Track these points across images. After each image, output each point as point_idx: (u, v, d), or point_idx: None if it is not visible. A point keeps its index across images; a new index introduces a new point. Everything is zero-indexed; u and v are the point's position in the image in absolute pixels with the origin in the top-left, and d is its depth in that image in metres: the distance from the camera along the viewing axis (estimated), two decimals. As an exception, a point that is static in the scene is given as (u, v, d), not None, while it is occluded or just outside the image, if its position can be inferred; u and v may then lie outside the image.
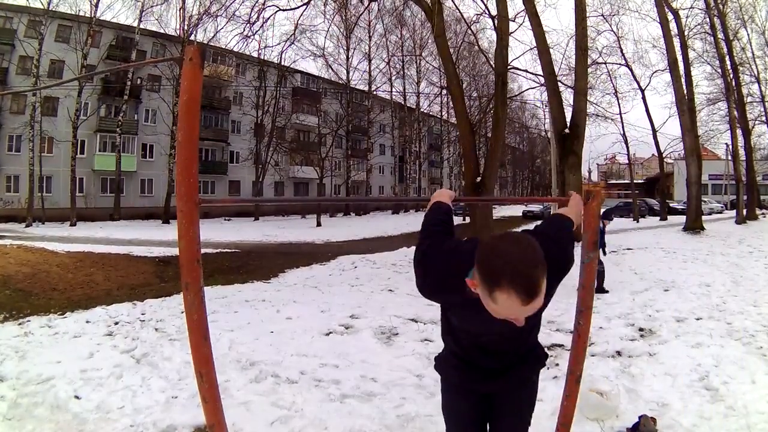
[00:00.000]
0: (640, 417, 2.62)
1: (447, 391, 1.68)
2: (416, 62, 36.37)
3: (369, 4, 16.67)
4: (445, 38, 11.39)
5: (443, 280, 1.29)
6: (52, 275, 8.12)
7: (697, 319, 4.89)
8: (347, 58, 34.54)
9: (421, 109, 40.18)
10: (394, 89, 38.48)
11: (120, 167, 26.19)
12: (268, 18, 12.87)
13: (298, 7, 12.90)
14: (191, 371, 1.79)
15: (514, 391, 1.58)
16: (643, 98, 23.81)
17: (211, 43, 22.46)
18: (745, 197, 21.24)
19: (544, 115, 36.94)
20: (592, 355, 3.78)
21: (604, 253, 6.83)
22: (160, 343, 4.34)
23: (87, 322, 5.17)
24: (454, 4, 15.10)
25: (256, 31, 12.67)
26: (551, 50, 12.17)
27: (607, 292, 6.33)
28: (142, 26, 26.62)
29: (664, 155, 25.91)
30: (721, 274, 7.64)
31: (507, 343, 1.43)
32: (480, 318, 1.19)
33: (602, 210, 5.96)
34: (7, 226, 19.89)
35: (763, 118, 22.93)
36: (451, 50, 12.01)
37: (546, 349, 4.18)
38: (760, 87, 22.09)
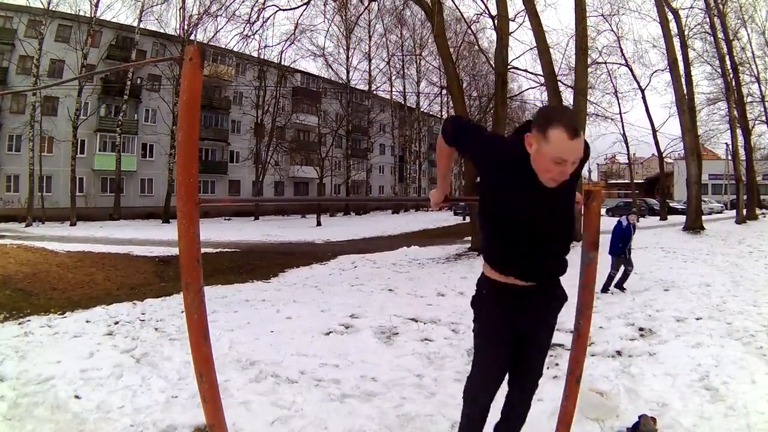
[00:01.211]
0: (640, 417, 2.62)
1: (486, 324, 1.79)
2: (416, 62, 36.36)
3: (369, 4, 16.66)
4: (445, 38, 11.40)
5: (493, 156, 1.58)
6: (52, 275, 8.13)
7: (697, 319, 4.89)
8: (347, 57, 34.57)
9: (421, 109, 40.18)
10: (394, 89, 38.51)
11: (120, 167, 26.20)
12: (268, 18, 12.90)
13: (298, 7, 12.92)
14: (191, 371, 1.79)
15: (540, 328, 1.82)
16: (643, 98, 23.80)
17: (211, 43, 22.46)
18: (745, 197, 21.22)
19: (544, 115, 36.75)
20: (592, 355, 3.78)
21: (628, 253, 6.74)
22: (160, 343, 4.34)
23: (87, 321, 5.17)
24: (454, 4, 15.14)
25: (256, 31, 12.70)
26: (551, 50, 12.18)
27: (624, 290, 6.52)
28: (142, 26, 26.63)
29: (664, 155, 25.88)
30: (721, 274, 7.64)
31: (552, 230, 1.61)
32: (530, 199, 1.50)
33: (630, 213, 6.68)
34: (7, 225, 19.89)
35: (763, 118, 22.93)
36: (451, 50, 12.02)
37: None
38: (760, 87, 22.10)
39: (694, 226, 15.65)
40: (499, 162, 1.55)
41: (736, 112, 20.34)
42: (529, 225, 1.55)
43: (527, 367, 1.86)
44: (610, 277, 6.63)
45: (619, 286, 6.60)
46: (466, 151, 1.68)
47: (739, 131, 20.82)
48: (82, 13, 24.11)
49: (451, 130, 1.69)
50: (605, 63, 22.87)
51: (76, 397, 3.13)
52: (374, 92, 37.69)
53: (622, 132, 25.39)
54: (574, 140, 1.34)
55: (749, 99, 21.98)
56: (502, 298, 1.70)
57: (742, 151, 21.53)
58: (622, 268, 6.69)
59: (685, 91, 16.74)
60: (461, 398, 1.92)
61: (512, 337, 1.76)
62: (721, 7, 18.70)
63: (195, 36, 24.78)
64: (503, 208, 1.58)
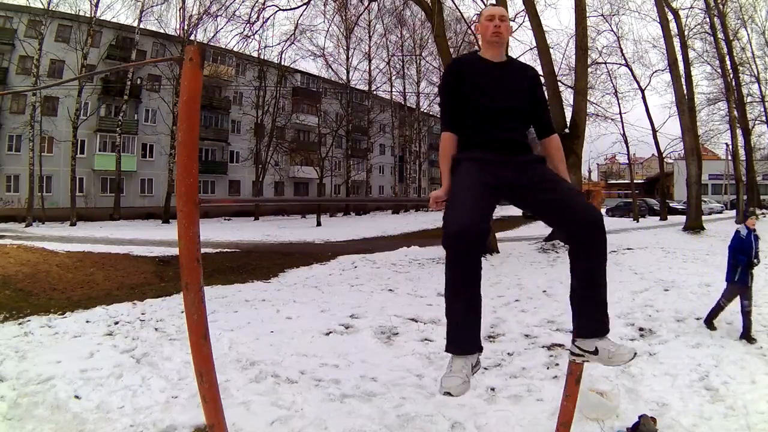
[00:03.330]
0: (640, 417, 2.62)
1: (460, 176, 1.79)
2: (416, 62, 36.30)
3: (369, 4, 16.66)
4: (445, 38, 11.39)
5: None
6: (52, 275, 8.12)
7: (697, 319, 4.89)
8: (347, 58, 34.52)
9: (421, 109, 40.17)
10: (394, 89, 38.48)
11: (120, 167, 26.18)
12: (268, 18, 12.87)
13: (298, 7, 12.90)
14: (191, 371, 1.79)
15: (534, 174, 1.77)
16: (643, 98, 23.76)
17: (211, 43, 22.43)
18: (745, 197, 21.22)
19: (544, 115, 36.82)
20: (592, 355, 3.77)
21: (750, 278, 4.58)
22: (160, 343, 4.34)
23: (87, 322, 5.17)
24: (454, 4, 15.14)
25: (256, 31, 12.68)
26: (551, 50, 12.19)
27: (754, 341, 4.26)
28: (142, 26, 26.60)
29: (664, 155, 25.86)
30: (721, 274, 7.60)
31: (508, 103, 1.84)
32: (494, 81, 1.85)
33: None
34: (7, 225, 19.87)
35: (763, 118, 22.93)
36: (451, 50, 12.01)
37: (546, 349, 4.17)
38: (760, 87, 22.09)
39: (694, 226, 15.63)
40: (460, 71, 1.90)
41: (736, 112, 20.33)
42: (489, 95, 1.83)
43: (559, 203, 1.67)
44: (719, 308, 4.69)
45: (746, 335, 4.30)
46: (453, 101, 1.90)
47: (739, 131, 20.82)
48: (82, 13, 24.07)
49: (442, 122, 1.95)
50: (605, 63, 22.85)
51: (76, 397, 3.13)
52: (374, 92, 37.66)
53: (622, 132, 25.34)
54: (495, 6, 2.05)
55: (749, 99, 21.99)
56: (476, 162, 1.78)
57: (742, 151, 21.54)
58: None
59: (685, 91, 16.73)
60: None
61: (490, 185, 1.71)
62: (721, 7, 18.70)
63: (195, 36, 24.74)
64: (472, 92, 1.84)
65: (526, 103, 1.89)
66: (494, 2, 2.19)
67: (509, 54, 2.06)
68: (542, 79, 1.90)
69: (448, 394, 1.61)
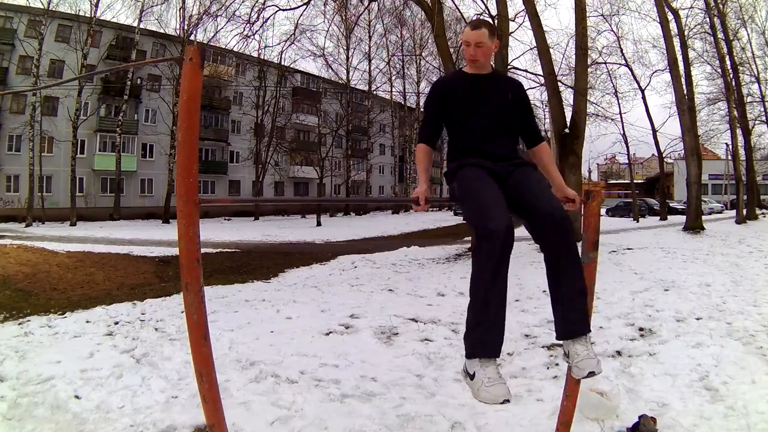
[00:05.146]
0: (640, 417, 2.62)
1: (464, 176, 1.86)
2: (416, 62, 36.36)
3: (369, 4, 16.67)
4: (445, 38, 11.39)
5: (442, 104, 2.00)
6: (52, 275, 8.12)
7: (697, 319, 4.88)
8: (347, 58, 34.58)
9: (421, 109, 40.19)
10: (394, 89, 38.52)
11: (120, 167, 26.20)
12: (268, 18, 12.89)
13: (298, 7, 12.90)
14: (191, 371, 1.79)
15: (521, 171, 1.87)
16: (643, 98, 23.79)
17: (211, 43, 22.44)
18: (745, 197, 21.20)
19: (544, 115, 36.85)
20: (592, 355, 3.77)
21: None
22: (160, 343, 4.34)
23: (87, 322, 5.17)
24: (454, 4, 15.13)
25: (256, 31, 12.68)
26: (551, 50, 12.16)
27: None
28: (142, 26, 26.65)
29: (664, 155, 25.88)
30: (721, 274, 7.62)
31: (490, 115, 1.93)
32: (478, 94, 1.94)
33: None
34: (7, 226, 19.89)
35: (763, 118, 22.91)
36: (451, 50, 12.00)
37: (546, 349, 4.17)
38: (760, 87, 22.07)
39: (694, 226, 15.62)
40: (443, 91, 1.98)
41: (736, 112, 20.31)
42: (475, 113, 1.92)
43: (535, 201, 1.72)
44: None
45: None
46: (434, 120, 2.01)
47: (739, 131, 20.80)
48: (82, 13, 24.13)
49: (419, 134, 2.08)
50: (605, 63, 22.86)
51: (76, 397, 3.13)
52: (374, 92, 37.70)
53: (622, 132, 25.35)
54: (473, 30, 1.91)
55: (749, 99, 21.95)
56: (474, 167, 1.86)
57: (742, 151, 21.52)
58: None
59: (685, 91, 16.72)
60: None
61: (492, 176, 1.82)
62: (721, 7, 18.69)
63: (195, 36, 24.76)
64: (458, 110, 1.94)
65: (512, 115, 1.97)
66: (470, 28, 1.98)
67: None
68: (526, 90, 2.13)
69: (506, 401, 1.57)
